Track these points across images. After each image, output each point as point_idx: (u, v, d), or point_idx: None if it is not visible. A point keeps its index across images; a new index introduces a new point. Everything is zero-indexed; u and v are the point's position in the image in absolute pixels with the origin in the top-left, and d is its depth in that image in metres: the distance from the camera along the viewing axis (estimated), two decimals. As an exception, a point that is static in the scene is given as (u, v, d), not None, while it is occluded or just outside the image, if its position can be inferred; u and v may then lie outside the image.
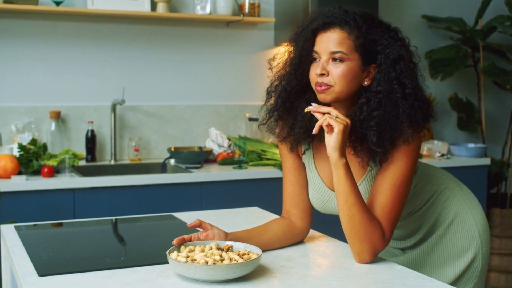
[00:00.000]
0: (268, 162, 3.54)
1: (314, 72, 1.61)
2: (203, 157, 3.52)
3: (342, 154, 1.55)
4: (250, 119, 3.91)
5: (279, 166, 3.35)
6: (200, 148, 3.62)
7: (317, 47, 1.61)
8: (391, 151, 1.60)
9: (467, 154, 4.01)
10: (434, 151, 3.99)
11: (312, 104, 1.59)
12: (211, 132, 3.81)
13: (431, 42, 4.60)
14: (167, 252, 1.49)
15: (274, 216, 2.11)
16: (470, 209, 1.86)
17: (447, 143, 4.15)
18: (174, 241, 1.55)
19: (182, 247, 1.55)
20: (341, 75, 1.57)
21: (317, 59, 1.62)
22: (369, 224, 1.57)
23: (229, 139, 3.74)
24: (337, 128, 1.53)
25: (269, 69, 1.76)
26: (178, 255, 1.48)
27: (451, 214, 1.85)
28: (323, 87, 1.59)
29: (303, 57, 1.64)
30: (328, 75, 1.59)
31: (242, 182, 3.35)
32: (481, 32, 4.36)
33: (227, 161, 3.54)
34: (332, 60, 1.59)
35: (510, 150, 4.49)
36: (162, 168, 3.55)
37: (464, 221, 1.84)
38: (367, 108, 1.58)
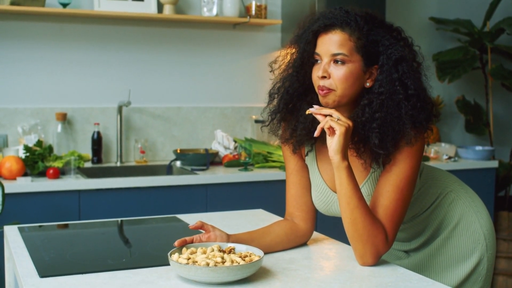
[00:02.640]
0: (274, 164, 3.53)
1: (316, 74, 1.60)
2: (209, 159, 3.52)
3: (344, 156, 1.54)
4: (257, 121, 3.90)
5: (285, 168, 3.34)
6: (206, 150, 3.61)
7: (318, 49, 1.60)
8: (394, 153, 1.59)
9: (474, 156, 3.99)
10: (441, 154, 3.97)
11: (314, 106, 1.58)
12: (217, 134, 3.81)
13: (439, 44, 4.58)
14: (168, 254, 1.49)
15: (277, 218, 2.10)
16: (475, 212, 1.85)
17: (454, 145, 4.13)
18: (176, 243, 1.55)
19: (184, 248, 1.55)
20: (342, 77, 1.56)
21: (319, 61, 1.60)
22: (371, 227, 1.55)
23: (235, 141, 3.73)
24: (339, 130, 1.51)
25: (270, 71, 1.75)
26: (179, 257, 1.48)
27: (456, 217, 1.83)
28: (325, 91, 1.58)
29: (305, 59, 1.63)
30: (329, 77, 1.57)
31: (248, 184, 3.34)
32: (489, 34, 4.34)
33: (233, 163, 3.53)
34: (334, 62, 1.57)
35: (518, 153, 4.47)
36: (167, 170, 3.55)
37: (469, 224, 1.83)
38: (369, 109, 1.56)
